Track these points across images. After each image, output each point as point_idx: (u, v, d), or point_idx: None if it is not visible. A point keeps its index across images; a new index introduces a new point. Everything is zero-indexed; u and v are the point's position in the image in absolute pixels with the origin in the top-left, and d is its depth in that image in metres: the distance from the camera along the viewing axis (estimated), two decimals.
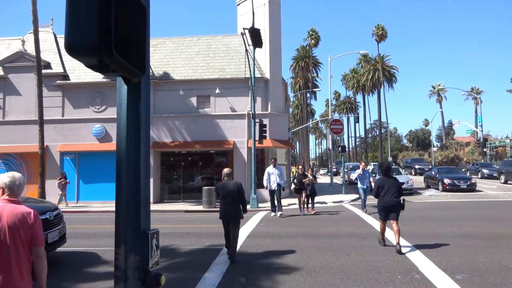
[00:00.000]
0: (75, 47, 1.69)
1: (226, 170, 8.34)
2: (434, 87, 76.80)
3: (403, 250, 7.88)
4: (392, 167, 11.46)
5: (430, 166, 39.77)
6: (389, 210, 8.25)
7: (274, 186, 14.53)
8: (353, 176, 22.24)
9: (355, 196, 20.36)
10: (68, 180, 19.99)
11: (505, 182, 26.69)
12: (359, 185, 15.26)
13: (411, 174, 40.50)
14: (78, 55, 1.70)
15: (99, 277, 6.69)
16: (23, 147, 21.35)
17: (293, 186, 15.61)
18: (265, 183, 14.84)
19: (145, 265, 2.14)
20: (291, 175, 27.75)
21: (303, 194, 14.88)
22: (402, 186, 21.72)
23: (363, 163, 16.10)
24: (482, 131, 45.73)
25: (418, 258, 7.36)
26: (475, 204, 16.58)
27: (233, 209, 7.78)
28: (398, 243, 7.96)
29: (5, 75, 21.98)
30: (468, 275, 6.22)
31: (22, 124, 21.53)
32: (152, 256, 2.20)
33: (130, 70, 1.94)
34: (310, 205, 15.24)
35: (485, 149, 44.41)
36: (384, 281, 6.05)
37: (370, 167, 33.05)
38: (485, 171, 33.60)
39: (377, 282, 6.00)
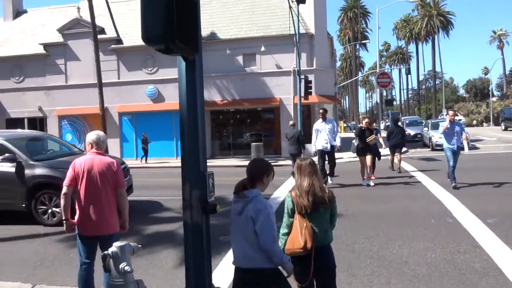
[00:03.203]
0: (150, 38, 2.37)
1: (291, 122, 13.17)
2: (495, 32, 71.56)
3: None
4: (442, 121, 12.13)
5: None
6: (395, 147, 13.05)
7: (326, 147, 10.68)
8: (438, 133, 16.56)
9: (403, 149, 20.35)
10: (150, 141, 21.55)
11: None
12: (445, 144, 9.95)
13: None
14: (151, 43, 2.39)
15: (164, 221, 7.79)
16: (85, 109, 23.09)
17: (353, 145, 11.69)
18: (313, 147, 11.24)
19: (204, 197, 2.86)
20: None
21: (369, 157, 10.94)
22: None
23: (451, 112, 10.39)
24: None
25: (454, 205, 7.78)
26: None
27: (294, 147, 11.89)
28: (399, 167, 12.97)
29: (64, 42, 23.53)
30: (499, 219, 6.62)
31: (82, 88, 23.16)
32: (209, 191, 2.92)
33: (188, 51, 2.58)
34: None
35: None
36: (417, 224, 6.59)
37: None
38: None
39: (411, 225, 6.57)
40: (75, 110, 23.38)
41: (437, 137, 19.98)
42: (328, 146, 10.65)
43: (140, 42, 22.84)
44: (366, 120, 11.70)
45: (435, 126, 21.72)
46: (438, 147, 19.67)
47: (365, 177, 11.00)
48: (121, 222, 4.14)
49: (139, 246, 3.41)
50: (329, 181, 10.97)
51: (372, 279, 4.63)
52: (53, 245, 6.60)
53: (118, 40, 23.29)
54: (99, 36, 21.49)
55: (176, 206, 9.27)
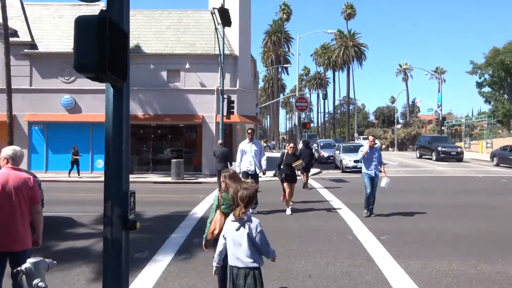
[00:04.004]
0: (81, 67, 2.57)
1: (220, 141, 14.47)
2: (401, 66, 79.01)
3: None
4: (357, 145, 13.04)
5: (460, 149, 29.27)
6: (306, 168, 14.67)
7: (250, 169, 10.08)
8: (348, 157, 21.54)
9: (316, 170, 21.68)
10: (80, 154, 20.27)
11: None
12: (364, 170, 9.72)
13: (429, 158, 29.51)
14: (82, 72, 2.58)
15: (78, 237, 7.60)
16: None
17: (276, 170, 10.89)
18: (237, 168, 10.15)
19: (125, 214, 3.06)
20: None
21: (292, 184, 10.43)
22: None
23: (371, 138, 10.02)
24: (441, 110, 48.04)
25: (355, 223, 8.66)
26: (420, 179, 18.23)
27: (222, 165, 12.34)
28: (306, 183, 15.31)
29: None
30: (390, 236, 7.53)
31: None
32: (130, 209, 3.12)
33: (117, 80, 2.81)
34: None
35: (443, 128, 46.92)
36: (322, 241, 7.25)
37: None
38: None
39: (316, 242, 7.20)
40: None
41: (347, 159, 21.71)
42: (253, 168, 10.06)
43: (57, 48, 21.98)
44: (291, 145, 10.96)
45: (346, 149, 23.53)
46: (348, 169, 21.38)
47: (288, 205, 10.32)
48: (35, 238, 4.11)
49: (55, 262, 3.45)
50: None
51: None
52: None
53: (33, 45, 21.99)
54: (11, 39, 20.15)
55: (90, 222, 9.08)
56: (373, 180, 9.55)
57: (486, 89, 50.54)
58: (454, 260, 6.15)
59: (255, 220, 3.75)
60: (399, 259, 6.15)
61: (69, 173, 19.94)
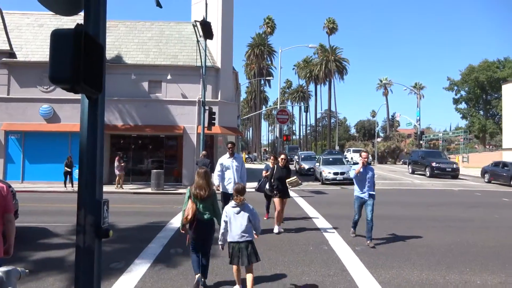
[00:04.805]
0: (56, 79, 2.63)
1: (203, 152, 15.24)
2: (381, 81, 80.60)
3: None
4: (336, 157, 12.98)
5: (456, 166, 26.94)
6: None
7: (231, 187, 8.56)
8: (328, 169, 22.28)
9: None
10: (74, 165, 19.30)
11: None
12: (356, 192, 8.41)
13: (423, 174, 27.71)
14: (57, 83, 2.65)
15: (52, 247, 7.50)
16: None
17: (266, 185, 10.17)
18: (216, 181, 8.95)
19: (98, 223, 3.11)
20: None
21: (282, 200, 9.45)
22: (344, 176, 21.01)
23: (364, 154, 8.35)
24: (419, 124, 49.17)
25: (330, 235, 8.79)
26: (397, 191, 18.59)
27: None
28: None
29: None
30: (365, 247, 7.70)
31: None
32: (103, 217, 3.17)
33: (92, 91, 2.89)
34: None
35: (421, 142, 47.98)
36: (298, 251, 7.36)
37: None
38: None
39: (292, 252, 7.30)
40: None
41: (326, 172, 22.02)
42: (233, 187, 8.42)
43: (36, 57, 21.77)
44: (282, 157, 9.79)
45: (326, 162, 23.88)
46: (327, 182, 21.65)
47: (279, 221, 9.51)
48: (6, 247, 4.09)
49: (27, 271, 3.45)
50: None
51: None
52: None
53: (11, 54, 21.72)
54: None
55: (65, 232, 8.98)
56: (366, 204, 8.22)
57: (463, 105, 52.10)
58: (425, 270, 6.33)
59: (250, 206, 5.27)
60: (372, 269, 6.30)
61: (64, 184, 19.13)
